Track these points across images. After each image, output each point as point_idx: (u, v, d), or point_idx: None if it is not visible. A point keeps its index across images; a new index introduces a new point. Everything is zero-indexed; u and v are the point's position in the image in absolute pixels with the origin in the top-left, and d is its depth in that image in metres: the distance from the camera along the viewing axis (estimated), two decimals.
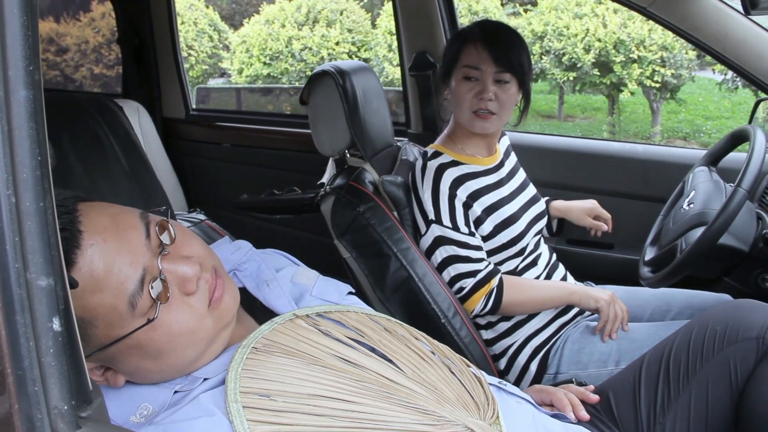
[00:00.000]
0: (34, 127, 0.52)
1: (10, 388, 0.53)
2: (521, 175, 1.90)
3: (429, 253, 1.69)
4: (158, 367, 0.87)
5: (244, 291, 1.05)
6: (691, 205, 1.65)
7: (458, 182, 1.69)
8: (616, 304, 1.66)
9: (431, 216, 1.67)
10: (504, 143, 1.91)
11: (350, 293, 1.17)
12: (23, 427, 0.53)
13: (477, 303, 1.66)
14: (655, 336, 1.62)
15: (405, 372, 0.92)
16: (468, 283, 1.66)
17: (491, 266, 1.69)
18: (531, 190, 1.88)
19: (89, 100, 1.78)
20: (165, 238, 0.87)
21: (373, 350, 0.94)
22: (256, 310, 1.04)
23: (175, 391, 0.86)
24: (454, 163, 1.72)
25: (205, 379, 0.87)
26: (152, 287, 0.82)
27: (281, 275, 1.12)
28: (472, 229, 1.69)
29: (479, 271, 1.66)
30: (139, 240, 0.84)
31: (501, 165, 1.83)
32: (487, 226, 1.70)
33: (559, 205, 2.02)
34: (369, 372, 0.89)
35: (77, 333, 0.56)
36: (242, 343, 0.88)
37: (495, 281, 1.67)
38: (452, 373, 0.98)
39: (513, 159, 1.91)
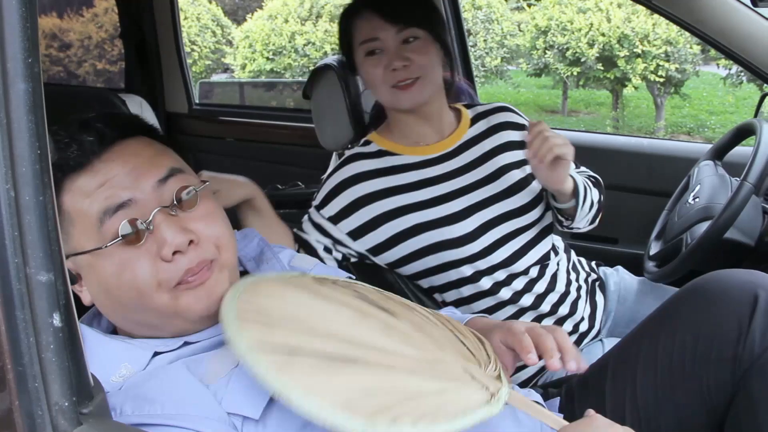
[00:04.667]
0: (33, 120, 0.51)
1: (10, 384, 0.52)
2: (503, 159, 1.52)
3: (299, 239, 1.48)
4: (113, 308, 0.88)
5: (244, 274, 1.03)
6: (697, 200, 1.64)
7: (356, 179, 1.47)
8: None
9: (314, 200, 1.49)
10: (483, 125, 1.55)
11: (349, 278, 1.14)
12: (24, 423, 0.53)
13: None
14: None
15: (405, 324, 0.89)
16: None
17: None
18: (506, 180, 1.50)
19: (92, 95, 1.78)
20: (184, 199, 0.88)
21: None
22: None
23: (155, 353, 0.86)
24: (374, 155, 1.49)
25: (186, 343, 0.87)
26: (129, 223, 0.83)
27: (282, 257, 1.11)
28: (345, 235, 1.48)
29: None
30: (150, 177, 0.86)
31: (455, 154, 1.51)
32: (384, 233, 1.46)
33: None
34: (370, 314, 0.88)
35: (78, 329, 0.56)
36: (236, 285, 0.87)
37: None
38: (454, 335, 0.94)
39: (495, 141, 1.54)
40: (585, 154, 2.39)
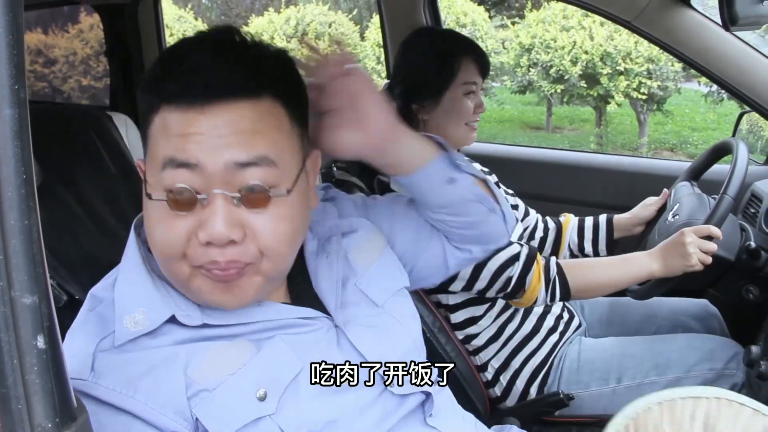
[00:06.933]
0: (19, 145, 0.52)
1: None
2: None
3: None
4: (151, 243, 0.83)
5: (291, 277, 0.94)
6: (676, 217, 1.66)
7: None
8: (698, 244, 1.48)
9: None
10: None
11: (404, 288, 1.05)
12: None
13: (538, 289, 1.52)
14: (653, 350, 1.63)
15: None
16: (514, 270, 1.50)
17: (528, 247, 1.55)
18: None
19: (79, 112, 1.78)
20: (252, 198, 0.79)
21: None
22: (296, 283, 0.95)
23: (173, 317, 0.82)
24: None
25: (205, 325, 0.83)
26: (181, 189, 0.76)
27: (344, 244, 1.01)
28: None
29: (519, 253, 1.51)
30: (232, 155, 0.77)
31: None
32: None
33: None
34: None
35: (62, 350, 0.56)
36: None
37: (551, 264, 1.53)
38: None
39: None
40: (568, 172, 2.42)
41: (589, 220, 1.91)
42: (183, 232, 0.78)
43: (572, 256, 1.91)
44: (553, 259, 1.56)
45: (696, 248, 1.47)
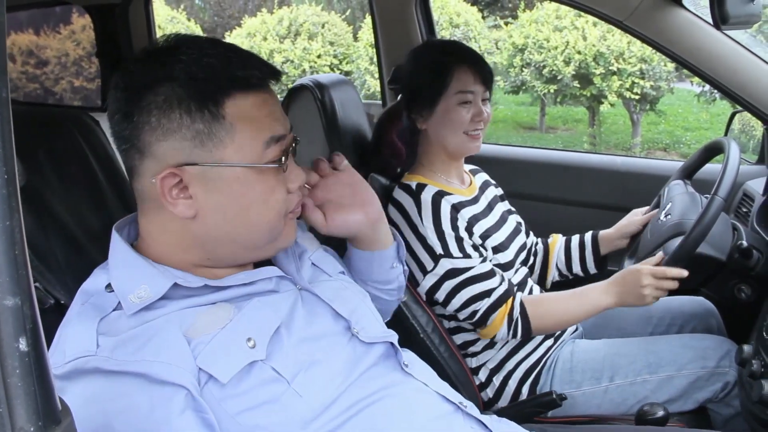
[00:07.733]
0: (0, 144, 0.51)
1: None
2: (502, 206, 1.83)
3: (438, 285, 1.59)
4: (219, 226, 0.94)
5: None
6: (668, 216, 1.66)
7: (455, 210, 1.63)
8: (655, 286, 1.51)
9: (439, 251, 1.58)
10: (480, 178, 1.85)
11: (341, 273, 1.21)
12: None
13: (498, 328, 1.57)
14: (646, 349, 1.64)
15: None
16: (482, 305, 1.56)
17: (507, 284, 1.60)
18: (512, 222, 1.82)
19: (66, 115, 1.77)
20: (298, 141, 1.03)
21: None
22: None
23: (176, 284, 0.92)
24: (443, 193, 1.64)
25: (206, 286, 0.94)
26: (285, 154, 0.96)
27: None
28: (482, 252, 1.64)
29: (494, 289, 1.57)
30: (288, 121, 0.99)
31: (477, 199, 1.75)
32: (486, 253, 1.65)
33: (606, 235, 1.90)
34: None
35: (45, 352, 0.55)
36: None
37: (516, 303, 1.57)
38: None
39: (491, 192, 1.84)
40: (562, 172, 2.43)
41: (575, 240, 1.93)
42: (284, 191, 0.97)
43: (561, 276, 1.94)
44: (519, 296, 1.60)
45: (652, 290, 1.51)
